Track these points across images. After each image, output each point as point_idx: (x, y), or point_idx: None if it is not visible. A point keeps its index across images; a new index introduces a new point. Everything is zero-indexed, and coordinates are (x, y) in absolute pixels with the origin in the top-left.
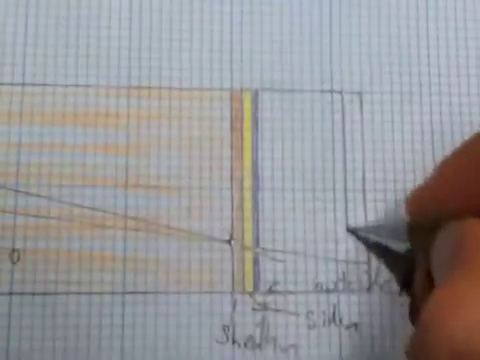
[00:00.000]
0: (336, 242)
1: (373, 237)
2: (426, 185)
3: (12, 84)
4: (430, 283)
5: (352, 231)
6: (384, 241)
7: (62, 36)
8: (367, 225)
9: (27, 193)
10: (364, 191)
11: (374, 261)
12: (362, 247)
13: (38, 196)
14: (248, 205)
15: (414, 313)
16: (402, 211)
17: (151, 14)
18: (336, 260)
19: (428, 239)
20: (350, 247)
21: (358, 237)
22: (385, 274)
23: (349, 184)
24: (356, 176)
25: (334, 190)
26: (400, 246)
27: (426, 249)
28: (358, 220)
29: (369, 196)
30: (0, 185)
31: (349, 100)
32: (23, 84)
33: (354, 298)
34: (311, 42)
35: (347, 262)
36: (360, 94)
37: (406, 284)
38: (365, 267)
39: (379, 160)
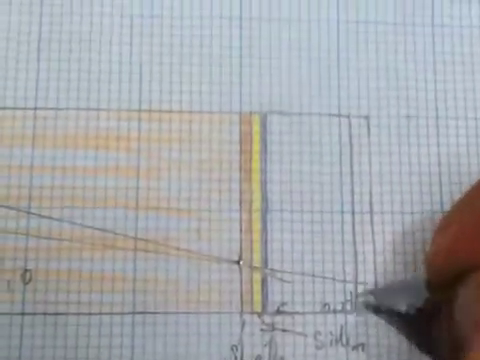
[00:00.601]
0: (343, 263)
1: (372, 299)
2: (438, 246)
3: (25, 108)
4: (453, 340)
5: (367, 307)
6: (384, 303)
7: (74, 60)
8: (367, 289)
9: (39, 215)
10: (371, 213)
11: (380, 283)
12: (370, 268)
13: (50, 218)
14: (257, 227)
15: None
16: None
17: (161, 38)
18: (344, 281)
19: (449, 293)
20: (358, 268)
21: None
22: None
23: (357, 207)
24: (363, 199)
25: (342, 212)
26: (399, 304)
27: (448, 302)
28: (366, 242)
29: (376, 218)
30: (13, 207)
31: (356, 124)
32: (36, 108)
33: (361, 319)
34: (319, 66)
35: (355, 283)
36: (367, 118)
37: (423, 342)
38: (372, 288)
39: (386, 183)
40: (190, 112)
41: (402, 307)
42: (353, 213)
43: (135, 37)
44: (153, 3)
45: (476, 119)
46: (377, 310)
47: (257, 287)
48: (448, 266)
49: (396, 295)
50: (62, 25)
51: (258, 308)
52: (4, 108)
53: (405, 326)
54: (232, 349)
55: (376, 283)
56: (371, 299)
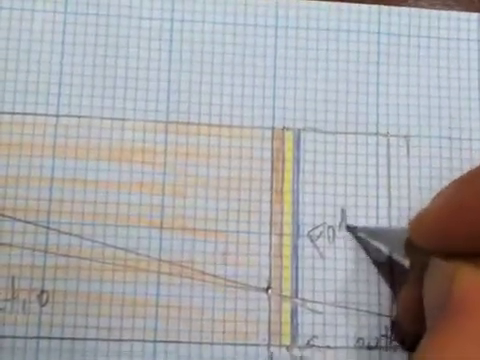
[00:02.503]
0: (379, 295)
1: (376, 242)
2: (431, 209)
3: (46, 115)
4: (416, 306)
5: (351, 230)
6: (387, 249)
7: (99, 66)
8: (368, 227)
9: (58, 231)
10: None
11: None
12: None
13: (70, 234)
14: (287, 252)
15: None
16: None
17: (192, 46)
18: (379, 314)
19: (425, 261)
20: (394, 301)
21: (357, 238)
22: None
23: None
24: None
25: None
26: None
27: (422, 270)
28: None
29: None
30: (31, 222)
31: (395, 144)
32: (57, 115)
33: (397, 356)
34: (358, 81)
35: (390, 317)
36: (407, 138)
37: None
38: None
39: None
40: (219, 126)
41: (385, 250)
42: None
43: (164, 43)
44: (184, 7)
45: None
46: (374, 252)
47: (286, 318)
48: (433, 230)
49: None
50: (87, 27)
51: (287, 341)
52: (24, 114)
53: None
54: None
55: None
56: (362, 235)
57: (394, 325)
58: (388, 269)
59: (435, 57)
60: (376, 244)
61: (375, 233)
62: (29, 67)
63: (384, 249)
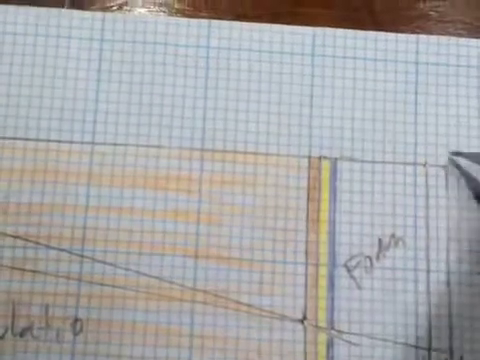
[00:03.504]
0: (416, 327)
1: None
2: None
3: (82, 143)
4: None
5: (456, 154)
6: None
7: (135, 93)
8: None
9: (93, 259)
10: (448, 273)
11: (456, 350)
12: (445, 334)
13: (104, 263)
14: (323, 282)
15: None
16: None
17: (228, 73)
18: (416, 347)
19: None
20: (433, 333)
21: (458, 166)
22: None
23: (432, 265)
24: (440, 257)
25: (415, 270)
26: None
27: None
28: (441, 305)
29: (453, 278)
30: (65, 250)
31: (434, 174)
32: (93, 143)
33: None
34: (395, 109)
35: (428, 350)
36: (446, 168)
37: None
38: (446, 356)
39: (464, 240)
40: (255, 154)
41: None
42: (428, 271)
43: (200, 70)
44: (220, 34)
45: None
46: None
47: (322, 350)
48: None
49: None
50: (123, 55)
51: None
52: (60, 141)
53: None
54: None
55: (451, 349)
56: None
57: None
58: None
59: (475, 86)
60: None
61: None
62: (65, 94)
63: None
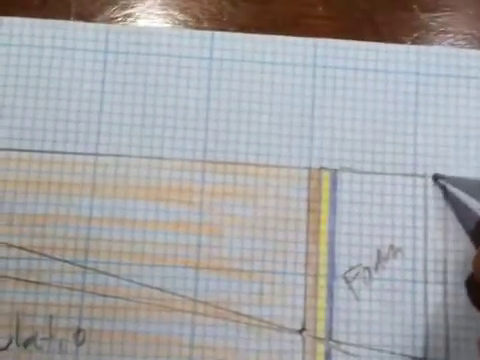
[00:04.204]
0: (413, 337)
1: (453, 189)
2: None
3: (85, 154)
4: None
5: (435, 178)
6: (463, 196)
7: (139, 105)
8: (451, 176)
9: (96, 270)
10: (445, 284)
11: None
12: (441, 345)
13: (107, 274)
14: (322, 293)
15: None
16: None
17: (230, 85)
18: (413, 357)
19: None
20: (429, 344)
21: (439, 184)
22: None
23: (430, 276)
24: (437, 267)
25: (413, 282)
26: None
27: None
28: (438, 315)
29: (450, 289)
30: (69, 261)
31: (432, 185)
32: (97, 154)
33: None
34: (395, 121)
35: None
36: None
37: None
38: None
39: (462, 252)
40: (256, 165)
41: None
42: (426, 282)
43: (203, 81)
44: (223, 46)
45: None
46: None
47: None
48: None
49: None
50: (127, 66)
51: None
52: (64, 153)
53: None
54: None
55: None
56: (451, 188)
57: (469, 285)
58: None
59: (475, 97)
60: (465, 197)
61: (466, 185)
62: (69, 106)
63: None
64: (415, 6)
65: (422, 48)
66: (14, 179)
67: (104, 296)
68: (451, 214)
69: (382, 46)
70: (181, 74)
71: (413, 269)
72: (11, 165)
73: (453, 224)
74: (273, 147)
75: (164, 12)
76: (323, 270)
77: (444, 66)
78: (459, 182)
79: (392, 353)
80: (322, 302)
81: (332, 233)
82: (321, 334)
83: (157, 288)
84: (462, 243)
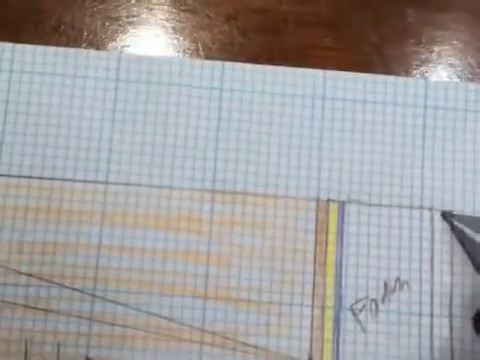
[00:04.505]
0: None
1: (460, 225)
2: None
3: (96, 182)
4: None
5: (443, 215)
6: (470, 232)
7: (149, 133)
8: (459, 214)
9: (104, 299)
10: (451, 317)
11: None
12: None
13: (115, 303)
14: (329, 325)
15: None
16: None
17: (240, 115)
18: None
19: None
20: None
21: (446, 220)
22: None
23: (436, 309)
24: (443, 301)
25: (420, 315)
26: None
27: None
28: (443, 349)
29: (456, 322)
30: (78, 289)
31: (439, 218)
32: (107, 182)
33: None
34: (403, 154)
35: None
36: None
37: None
38: None
39: (468, 286)
40: (265, 196)
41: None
42: (432, 315)
43: (213, 111)
44: (233, 76)
45: None
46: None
47: None
48: None
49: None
50: (138, 95)
51: None
52: (74, 180)
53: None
54: None
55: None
56: (458, 224)
57: (475, 320)
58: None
59: None
60: (471, 232)
61: (473, 222)
62: (80, 134)
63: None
64: (424, 39)
65: (430, 81)
66: (24, 206)
67: (112, 325)
68: (458, 247)
69: (391, 79)
70: (191, 104)
71: (419, 302)
72: (21, 192)
73: (460, 257)
74: (282, 178)
75: (175, 41)
76: (330, 302)
77: (452, 100)
78: (466, 220)
79: None
80: (329, 334)
81: (339, 265)
82: None
83: (165, 317)
84: (468, 277)
